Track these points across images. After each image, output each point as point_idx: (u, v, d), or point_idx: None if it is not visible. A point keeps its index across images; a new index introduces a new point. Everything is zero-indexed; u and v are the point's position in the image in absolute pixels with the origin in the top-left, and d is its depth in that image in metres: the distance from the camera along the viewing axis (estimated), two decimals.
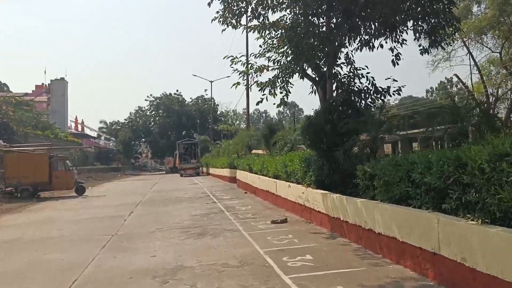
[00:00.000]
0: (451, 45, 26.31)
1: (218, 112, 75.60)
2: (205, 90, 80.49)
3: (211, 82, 54.42)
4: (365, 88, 11.17)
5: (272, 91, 11.78)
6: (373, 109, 11.06)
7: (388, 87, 10.97)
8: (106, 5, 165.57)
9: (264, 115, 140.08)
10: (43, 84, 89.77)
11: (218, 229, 10.55)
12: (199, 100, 76.86)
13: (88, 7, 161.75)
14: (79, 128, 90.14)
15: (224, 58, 12.01)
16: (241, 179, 22.33)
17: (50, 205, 19.43)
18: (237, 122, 75.58)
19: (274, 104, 12.01)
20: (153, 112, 77.53)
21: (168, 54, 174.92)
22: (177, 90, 77.93)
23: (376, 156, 9.27)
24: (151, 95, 76.70)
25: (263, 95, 11.55)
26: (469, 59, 30.88)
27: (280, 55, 11.19)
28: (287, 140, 16.00)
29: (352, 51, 11.67)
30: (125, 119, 78.15)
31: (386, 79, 11.07)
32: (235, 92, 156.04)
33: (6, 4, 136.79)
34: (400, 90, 11.05)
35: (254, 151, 25.85)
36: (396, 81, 10.84)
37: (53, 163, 23.52)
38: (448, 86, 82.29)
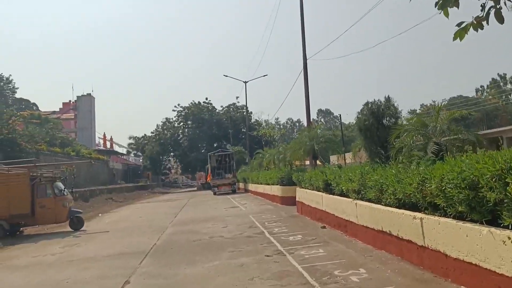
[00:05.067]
0: None
1: (252, 121, 68.38)
2: (237, 97, 73.47)
3: (245, 82, 47.26)
4: None
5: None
6: None
7: None
8: (131, 17, 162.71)
9: (297, 124, 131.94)
10: (70, 101, 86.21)
11: None
12: (231, 108, 69.85)
13: (113, 21, 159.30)
14: (108, 145, 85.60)
15: None
16: (308, 202, 14.71)
17: (16, 254, 12.40)
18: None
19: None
20: (182, 123, 70.98)
21: (197, 62, 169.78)
22: (206, 98, 71.32)
23: None
24: (178, 104, 70.34)
25: None
26: None
27: None
28: (428, 131, 8.12)
29: None
30: (151, 132, 72.05)
31: None
32: (268, 99, 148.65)
33: (34, 19, 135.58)
34: None
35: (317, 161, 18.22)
36: None
37: (37, 187, 16.60)
38: (502, 83, 72.63)
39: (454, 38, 5.02)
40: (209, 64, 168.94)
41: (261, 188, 27.61)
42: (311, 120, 21.37)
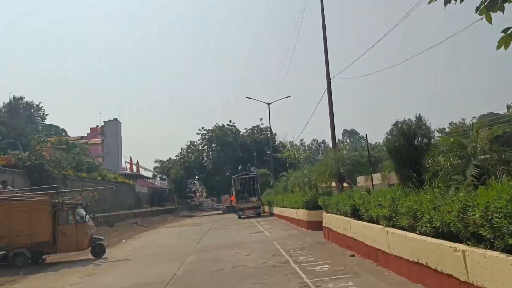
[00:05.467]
0: None
1: (276, 142, 67.82)
2: (261, 119, 73.07)
3: (269, 104, 47.00)
4: None
5: None
6: None
7: None
8: (157, 43, 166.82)
9: (323, 145, 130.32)
10: (97, 126, 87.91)
11: None
12: (255, 130, 69.61)
13: (138, 47, 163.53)
14: (134, 169, 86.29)
15: None
16: (335, 228, 13.96)
17: (34, 285, 12.17)
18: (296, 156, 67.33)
19: None
20: (206, 146, 71.12)
21: (220, 85, 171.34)
22: (230, 121, 71.33)
23: None
24: (202, 127, 70.63)
25: None
26: None
27: None
28: (467, 152, 7.30)
29: None
30: (176, 156, 72.37)
31: None
32: (292, 121, 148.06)
33: (63, 49, 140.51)
34: None
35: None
36: None
37: (59, 214, 16.46)
38: None
39: (498, 46, 4.48)
40: (232, 86, 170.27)
41: (286, 212, 26.88)
42: (336, 141, 20.72)
